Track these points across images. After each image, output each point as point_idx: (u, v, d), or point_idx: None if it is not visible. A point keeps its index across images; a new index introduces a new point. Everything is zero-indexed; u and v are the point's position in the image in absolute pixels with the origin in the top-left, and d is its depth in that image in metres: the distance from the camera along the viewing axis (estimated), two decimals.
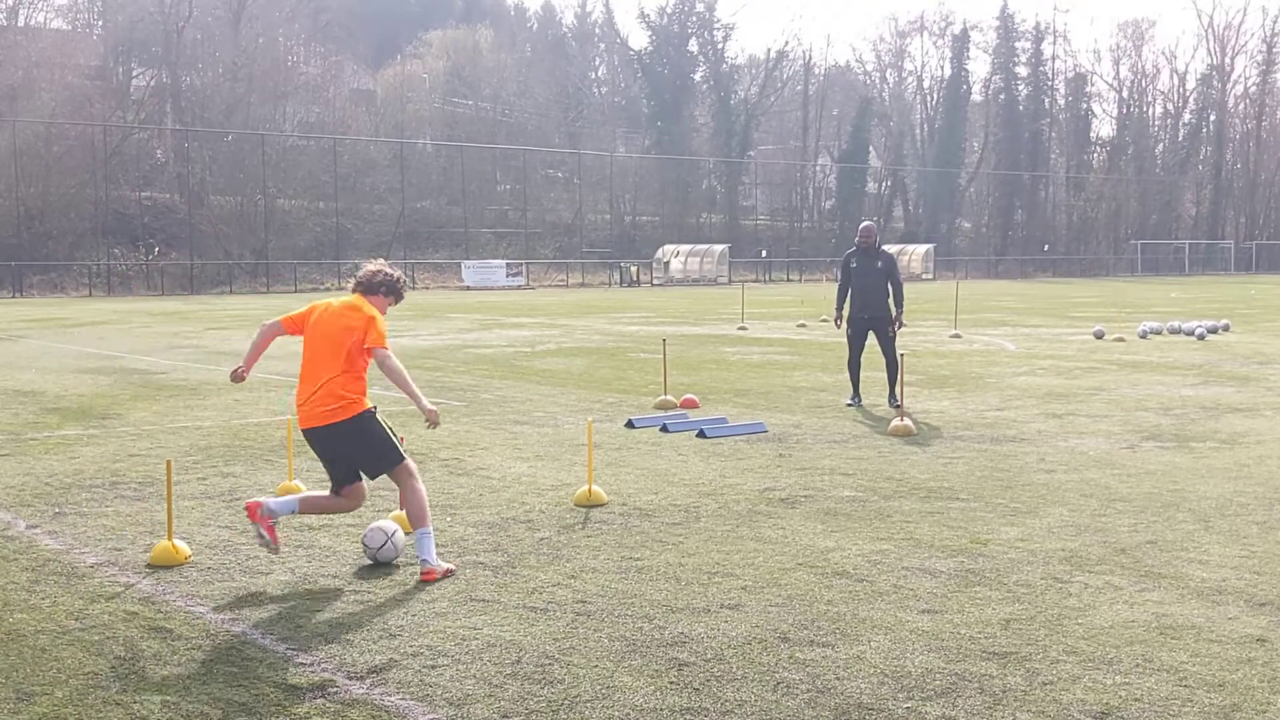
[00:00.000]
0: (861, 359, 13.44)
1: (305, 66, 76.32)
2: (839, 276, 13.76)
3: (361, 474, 6.66)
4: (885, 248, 14.59)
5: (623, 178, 78.27)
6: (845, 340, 13.64)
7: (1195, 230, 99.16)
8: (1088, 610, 5.73)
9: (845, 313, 13.46)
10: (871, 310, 13.27)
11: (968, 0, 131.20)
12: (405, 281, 6.94)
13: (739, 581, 6.24)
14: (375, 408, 6.62)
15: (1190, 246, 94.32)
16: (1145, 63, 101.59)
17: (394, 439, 6.60)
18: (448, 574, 6.40)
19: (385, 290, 6.76)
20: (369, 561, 6.62)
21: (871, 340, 13.34)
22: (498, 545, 7.03)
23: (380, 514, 7.58)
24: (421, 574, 6.33)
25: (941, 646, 5.21)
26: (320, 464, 6.81)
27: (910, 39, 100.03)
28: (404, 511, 6.72)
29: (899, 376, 12.59)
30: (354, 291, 6.78)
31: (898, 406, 12.31)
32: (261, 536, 6.51)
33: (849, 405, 13.22)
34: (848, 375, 13.50)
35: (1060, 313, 34.16)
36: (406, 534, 6.73)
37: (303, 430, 6.60)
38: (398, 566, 6.54)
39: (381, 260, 6.98)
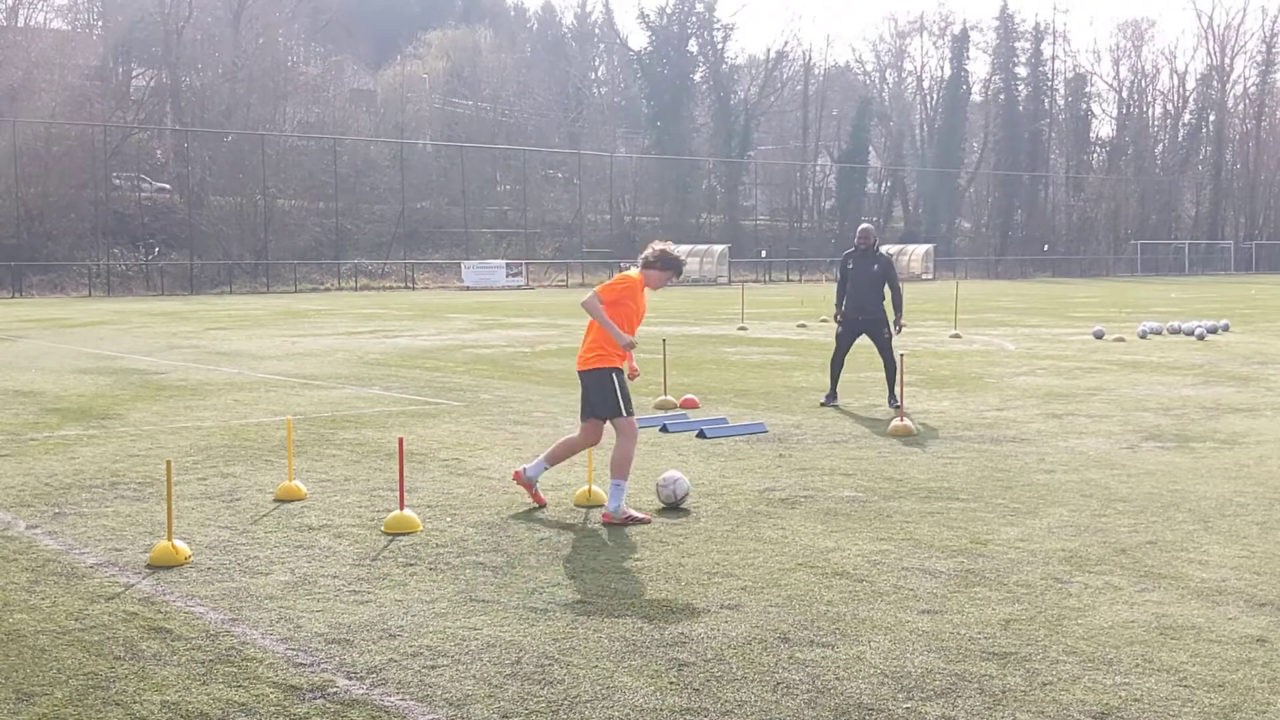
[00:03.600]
0: (845, 359, 13.43)
1: (305, 66, 76.42)
2: (838, 276, 13.81)
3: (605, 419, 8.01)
4: (885, 248, 14.61)
5: (623, 178, 78.28)
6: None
7: (1195, 230, 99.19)
8: (1088, 610, 5.73)
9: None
10: (865, 312, 13.28)
11: (968, 0, 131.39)
12: (674, 258, 8.05)
13: (739, 581, 6.24)
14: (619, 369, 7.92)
15: (1190, 246, 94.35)
16: (1145, 63, 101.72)
17: (619, 398, 7.87)
18: (629, 520, 7.53)
19: (660, 266, 7.99)
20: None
21: (869, 342, 13.35)
22: (498, 545, 7.03)
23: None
24: (603, 515, 7.65)
25: (941, 646, 5.21)
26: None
27: (910, 39, 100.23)
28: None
29: (899, 377, 12.60)
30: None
31: (898, 407, 12.31)
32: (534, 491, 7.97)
33: (823, 405, 13.18)
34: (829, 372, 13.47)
35: (1060, 313, 34.15)
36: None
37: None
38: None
39: (667, 241, 8.33)
